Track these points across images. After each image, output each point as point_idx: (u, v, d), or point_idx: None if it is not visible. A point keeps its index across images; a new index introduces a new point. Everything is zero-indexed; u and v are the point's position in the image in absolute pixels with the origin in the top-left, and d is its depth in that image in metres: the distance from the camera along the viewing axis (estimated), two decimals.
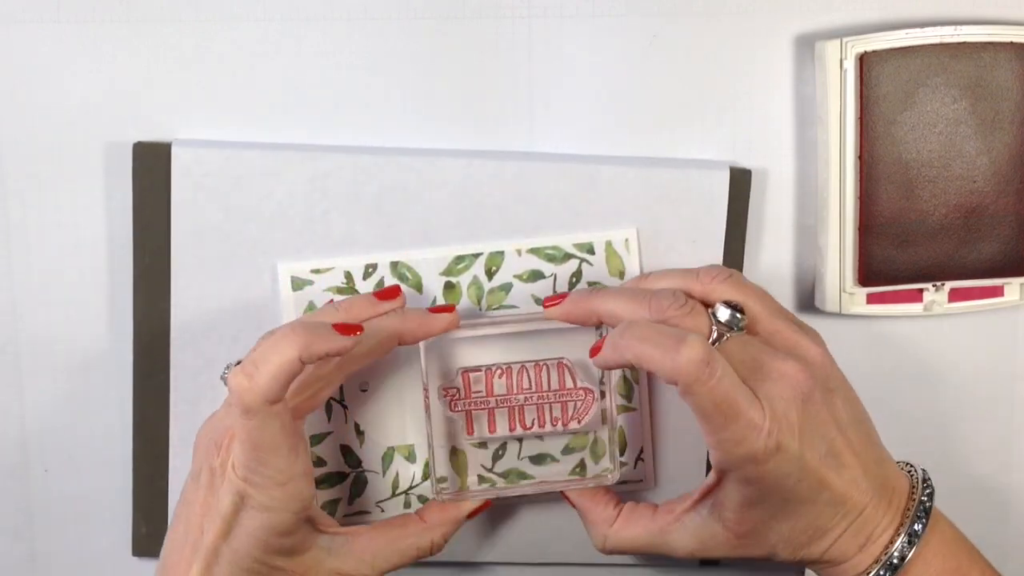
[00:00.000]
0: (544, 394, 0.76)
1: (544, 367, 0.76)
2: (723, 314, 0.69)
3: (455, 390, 0.76)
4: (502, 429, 0.77)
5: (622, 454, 0.80)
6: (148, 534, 0.79)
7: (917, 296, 0.80)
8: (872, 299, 0.80)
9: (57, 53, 0.76)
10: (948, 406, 0.83)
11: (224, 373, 0.70)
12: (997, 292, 0.81)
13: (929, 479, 0.73)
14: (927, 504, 0.71)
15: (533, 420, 0.77)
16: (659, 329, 0.67)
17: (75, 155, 0.77)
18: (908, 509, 0.71)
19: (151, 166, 0.76)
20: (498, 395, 0.77)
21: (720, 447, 0.67)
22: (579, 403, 0.77)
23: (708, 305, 0.71)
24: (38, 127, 0.76)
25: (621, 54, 0.78)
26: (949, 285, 0.80)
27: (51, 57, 0.76)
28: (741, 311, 0.69)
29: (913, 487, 0.72)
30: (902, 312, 0.80)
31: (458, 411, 0.77)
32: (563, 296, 0.74)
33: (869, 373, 0.82)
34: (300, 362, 0.67)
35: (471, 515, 0.77)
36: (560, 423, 0.77)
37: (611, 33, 0.78)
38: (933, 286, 0.80)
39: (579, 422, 0.77)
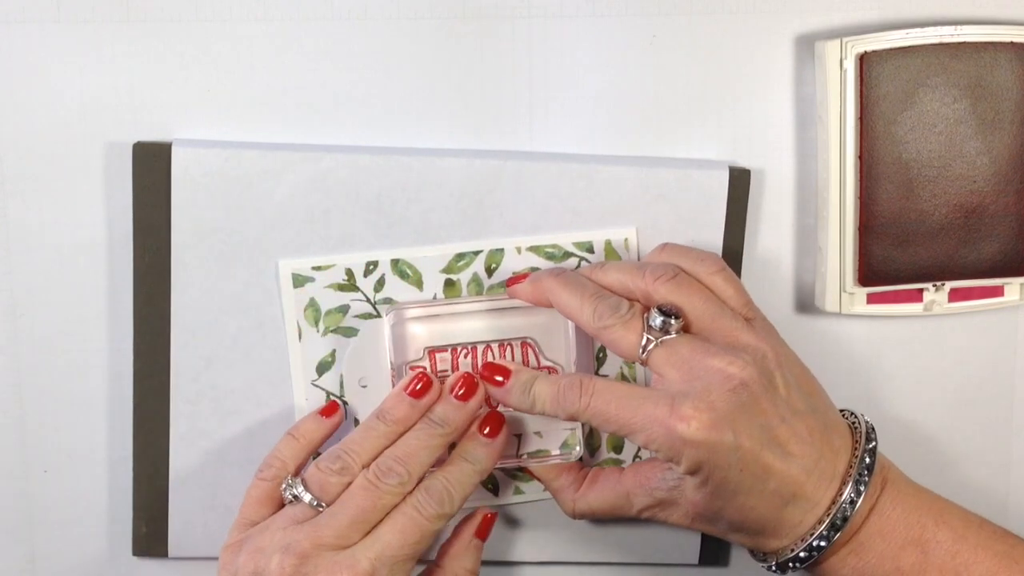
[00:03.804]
0: None
1: (509, 346, 0.77)
2: (656, 321, 0.71)
3: (422, 369, 0.77)
4: None
5: (619, 452, 0.80)
6: (148, 534, 0.79)
7: (917, 296, 0.80)
8: (872, 299, 0.80)
9: (57, 53, 0.76)
10: (948, 406, 0.83)
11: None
12: (997, 292, 0.81)
13: (873, 434, 0.73)
14: (868, 462, 0.72)
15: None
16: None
17: (75, 155, 0.77)
18: (850, 467, 0.72)
19: (151, 166, 0.76)
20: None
21: (646, 448, 0.70)
22: None
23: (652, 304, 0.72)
24: (38, 127, 0.77)
25: (621, 54, 0.78)
26: (949, 285, 0.80)
27: (51, 57, 0.76)
28: (676, 315, 0.71)
29: (856, 442, 0.73)
30: (902, 312, 0.80)
31: None
32: (521, 277, 0.76)
33: (869, 373, 0.82)
34: None
35: (479, 534, 0.78)
36: None
37: (611, 33, 0.78)
38: (933, 286, 0.80)
39: None
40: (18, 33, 0.76)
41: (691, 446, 0.68)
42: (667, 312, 0.71)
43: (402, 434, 0.74)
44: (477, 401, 0.75)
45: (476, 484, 0.75)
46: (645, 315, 0.72)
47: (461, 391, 0.75)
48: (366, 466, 0.73)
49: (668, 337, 0.71)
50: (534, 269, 0.77)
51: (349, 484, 0.73)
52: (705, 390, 0.69)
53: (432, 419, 0.74)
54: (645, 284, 0.73)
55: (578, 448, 0.78)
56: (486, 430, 0.75)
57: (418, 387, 0.75)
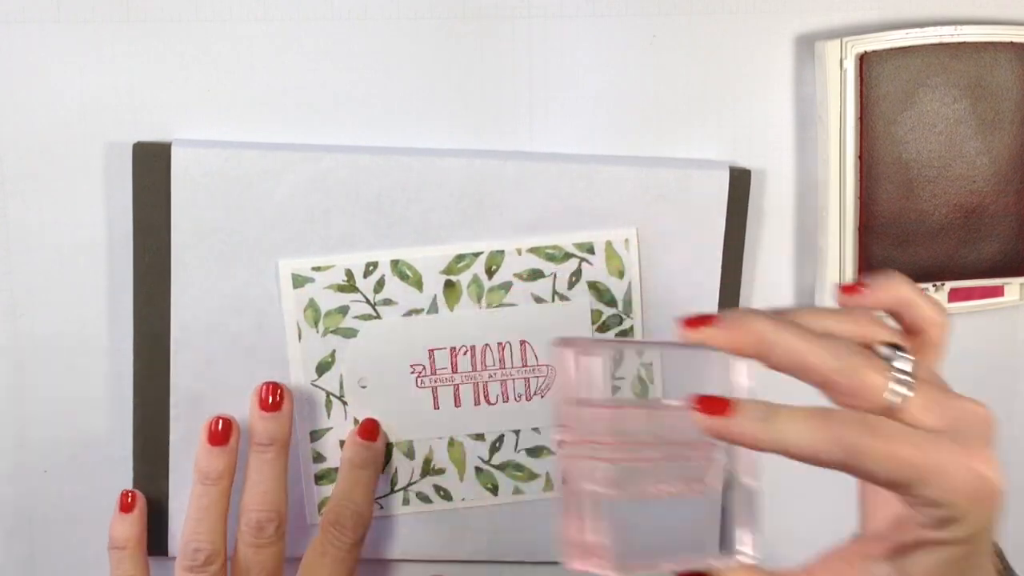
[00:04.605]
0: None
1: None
2: (897, 360, 0.59)
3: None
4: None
5: None
6: (149, 534, 0.79)
7: None
8: None
9: (57, 53, 0.76)
10: None
11: None
12: (997, 292, 0.81)
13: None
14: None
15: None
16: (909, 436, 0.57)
17: (75, 155, 0.77)
18: None
19: (151, 166, 0.76)
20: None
21: (935, 500, 0.57)
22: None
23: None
24: (38, 127, 0.76)
25: (621, 54, 0.78)
26: (949, 285, 0.80)
27: (51, 57, 0.76)
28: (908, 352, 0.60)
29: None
30: None
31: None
32: (708, 318, 0.60)
33: None
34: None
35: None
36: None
37: (611, 33, 0.78)
38: (933, 286, 0.80)
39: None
40: (18, 33, 0.76)
41: (995, 494, 0.57)
42: (901, 348, 0.59)
43: (231, 484, 0.76)
44: (289, 404, 0.77)
45: (375, 482, 0.77)
46: (880, 358, 0.59)
47: (271, 401, 0.76)
48: (225, 535, 0.75)
49: (909, 378, 0.58)
50: (534, 271, 0.77)
51: (224, 564, 0.74)
52: (978, 435, 0.58)
53: (259, 443, 0.76)
54: (859, 328, 0.60)
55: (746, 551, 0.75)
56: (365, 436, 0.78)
57: (219, 428, 0.76)
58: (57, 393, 0.79)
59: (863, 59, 0.76)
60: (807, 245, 0.81)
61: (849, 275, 0.79)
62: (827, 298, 0.79)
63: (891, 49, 0.76)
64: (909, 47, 0.76)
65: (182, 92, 0.77)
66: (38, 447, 0.80)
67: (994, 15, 0.78)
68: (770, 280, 0.81)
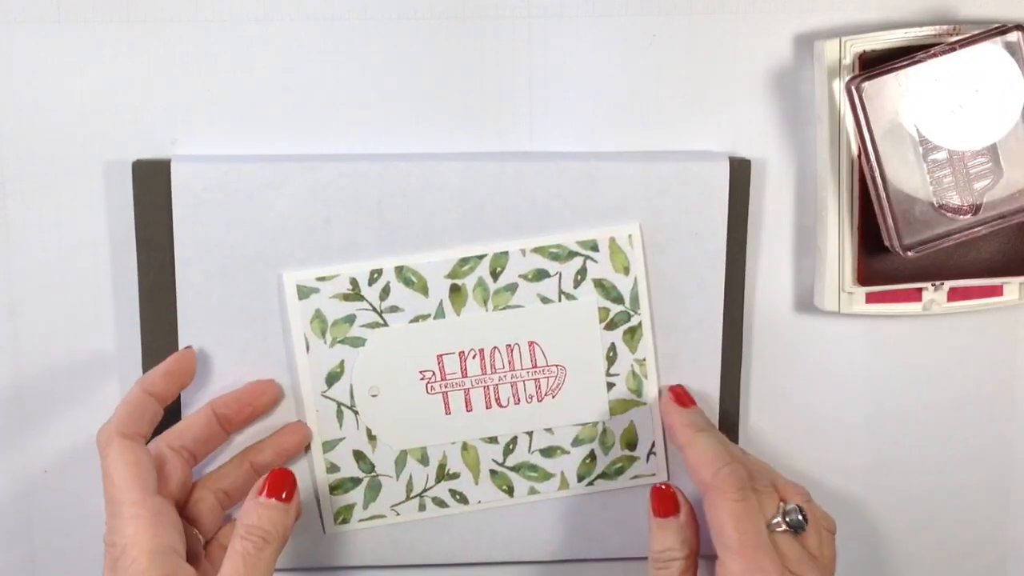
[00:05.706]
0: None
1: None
2: (792, 515, 0.73)
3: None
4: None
5: (633, 448, 0.80)
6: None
7: (916, 296, 0.80)
8: (872, 299, 0.80)
9: (57, 53, 0.76)
10: (948, 406, 0.83)
11: None
12: (996, 292, 0.81)
13: None
14: None
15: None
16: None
17: (75, 153, 0.77)
18: None
19: (151, 183, 0.76)
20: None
21: None
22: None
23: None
24: (38, 127, 0.76)
25: (621, 54, 0.78)
26: (948, 285, 0.80)
27: (51, 57, 0.76)
28: (806, 518, 0.73)
29: None
30: (902, 312, 0.80)
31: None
32: (688, 403, 0.79)
33: (869, 373, 0.82)
34: (144, 392, 0.72)
35: (261, 492, 0.72)
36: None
37: (611, 33, 0.78)
38: (932, 286, 0.80)
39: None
40: (18, 33, 0.76)
41: None
42: (802, 510, 0.73)
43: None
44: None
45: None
46: (781, 503, 0.73)
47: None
48: None
49: (794, 533, 0.73)
50: (540, 271, 0.77)
51: None
52: None
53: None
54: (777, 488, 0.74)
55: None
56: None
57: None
58: (57, 394, 0.79)
59: (863, 58, 0.76)
60: (807, 245, 0.81)
61: (848, 275, 0.79)
62: (827, 298, 0.79)
63: (891, 49, 0.76)
64: (909, 47, 0.77)
65: (182, 91, 0.77)
66: (38, 447, 0.79)
67: (994, 15, 0.78)
68: (770, 279, 0.81)
